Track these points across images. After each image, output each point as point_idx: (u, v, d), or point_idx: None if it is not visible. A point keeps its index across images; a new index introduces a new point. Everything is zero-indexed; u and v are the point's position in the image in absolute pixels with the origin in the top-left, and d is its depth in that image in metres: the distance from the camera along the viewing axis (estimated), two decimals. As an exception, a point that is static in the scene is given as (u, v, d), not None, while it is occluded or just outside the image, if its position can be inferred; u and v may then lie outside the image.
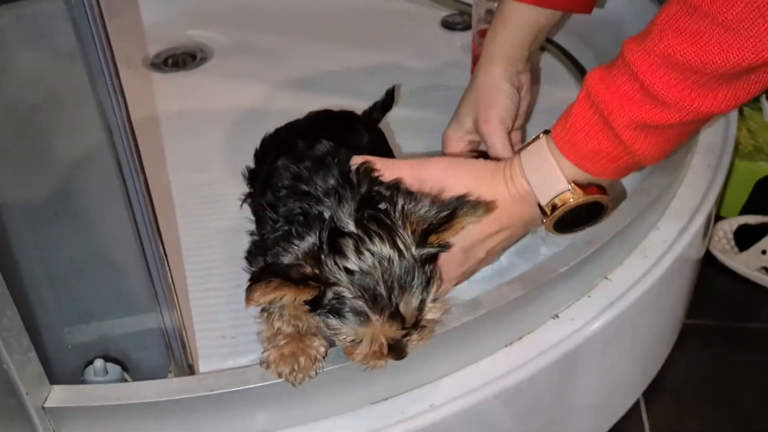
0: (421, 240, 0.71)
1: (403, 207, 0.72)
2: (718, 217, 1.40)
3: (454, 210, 0.72)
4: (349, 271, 0.68)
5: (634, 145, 0.72)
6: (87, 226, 0.74)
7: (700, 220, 1.04)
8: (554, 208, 0.77)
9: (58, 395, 0.74)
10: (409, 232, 0.71)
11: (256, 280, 0.67)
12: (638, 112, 0.70)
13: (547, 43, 1.38)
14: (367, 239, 0.69)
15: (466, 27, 1.50)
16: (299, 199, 0.75)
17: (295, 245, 0.70)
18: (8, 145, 0.71)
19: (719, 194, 1.10)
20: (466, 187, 0.77)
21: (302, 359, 0.74)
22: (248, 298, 0.68)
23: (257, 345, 0.92)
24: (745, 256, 1.34)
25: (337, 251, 0.69)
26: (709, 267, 1.32)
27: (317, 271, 0.69)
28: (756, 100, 1.43)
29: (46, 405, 0.73)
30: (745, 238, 1.36)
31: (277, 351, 0.74)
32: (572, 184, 0.76)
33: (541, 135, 0.78)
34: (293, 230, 0.71)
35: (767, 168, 1.39)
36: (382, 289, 0.68)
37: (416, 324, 0.71)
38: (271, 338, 0.77)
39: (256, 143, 1.25)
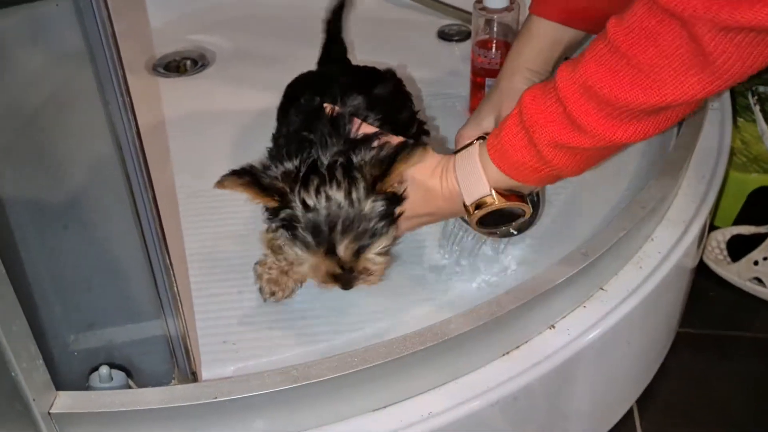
0: (372, 191, 0.81)
1: (359, 159, 0.81)
2: (712, 227, 1.42)
3: (392, 155, 0.81)
4: (305, 205, 0.80)
5: (554, 161, 0.79)
6: (94, 234, 0.75)
7: (694, 231, 1.06)
8: (477, 208, 0.85)
9: (64, 401, 0.75)
10: (364, 184, 0.81)
11: (233, 173, 0.80)
12: (558, 133, 0.76)
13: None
14: (327, 182, 0.80)
15: (463, 38, 1.51)
16: (302, 134, 0.85)
17: (280, 163, 0.82)
18: (12, 149, 0.72)
19: (714, 205, 1.12)
20: (411, 176, 0.86)
21: (286, 280, 0.95)
22: (219, 182, 0.80)
23: (258, 351, 0.94)
24: (737, 267, 1.36)
25: (305, 184, 0.80)
26: (701, 276, 1.33)
27: (286, 190, 0.80)
28: (750, 110, 1.45)
29: (52, 411, 0.74)
30: (737, 248, 1.38)
31: (267, 274, 0.96)
32: (494, 191, 0.83)
33: (475, 141, 0.85)
34: (284, 152, 0.83)
35: (761, 179, 1.40)
36: (324, 227, 0.79)
37: (353, 268, 0.83)
38: (273, 249, 0.95)
39: (259, 148, 1.25)
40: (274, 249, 0.95)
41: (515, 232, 0.98)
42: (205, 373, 0.90)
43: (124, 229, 0.73)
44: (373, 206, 0.81)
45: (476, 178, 0.83)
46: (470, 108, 1.31)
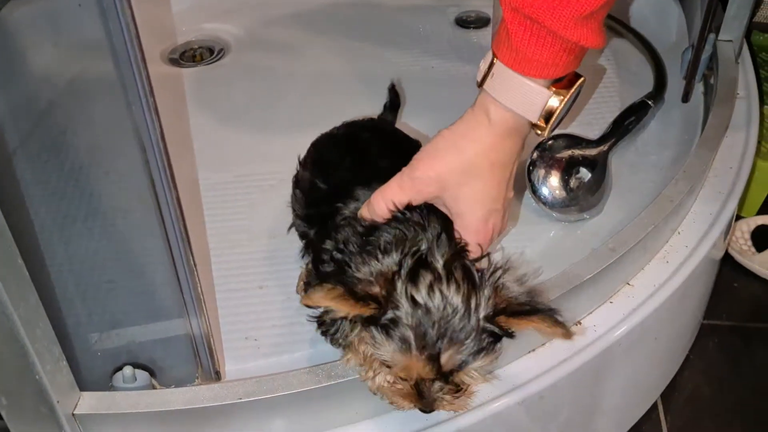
0: (493, 313, 0.70)
1: (499, 279, 0.71)
2: (737, 217, 1.39)
3: (536, 309, 0.70)
4: (414, 302, 0.68)
5: (581, 40, 0.69)
6: (117, 234, 0.74)
7: (721, 224, 1.04)
8: (548, 118, 0.74)
9: (88, 402, 0.74)
10: (489, 301, 0.70)
11: (323, 281, 0.68)
12: (572, 7, 0.67)
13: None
14: (445, 282, 0.69)
15: (481, 26, 1.49)
16: (399, 223, 0.75)
17: (376, 261, 0.71)
18: (31, 145, 0.71)
19: (741, 197, 1.10)
20: (459, 171, 0.75)
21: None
22: (308, 297, 0.68)
23: (280, 347, 0.93)
24: (762, 257, 1.34)
25: (413, 280, 0.69)
26: (726, 267, 1.32)
27: (384, 293, 0.69)
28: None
29: (75, 412, 0.73)
30: (762, 238, 1.36)
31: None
32: (552, 89, 0.73)
33: (495, 61, 0.73)
34: (381, 245, 0.72)
35: (787, 168, 1.38)
36: (433, 332, 0.67)
37: (449, 377, 0.70)
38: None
39: (276, 140, 1.25)
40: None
41: (587, 216, 1.05)
42: (226, 369, 0.89)
43: (147, 228, 0.72)
44: (485, 324, 0.70)
45: (527, 91, 0.72)
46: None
